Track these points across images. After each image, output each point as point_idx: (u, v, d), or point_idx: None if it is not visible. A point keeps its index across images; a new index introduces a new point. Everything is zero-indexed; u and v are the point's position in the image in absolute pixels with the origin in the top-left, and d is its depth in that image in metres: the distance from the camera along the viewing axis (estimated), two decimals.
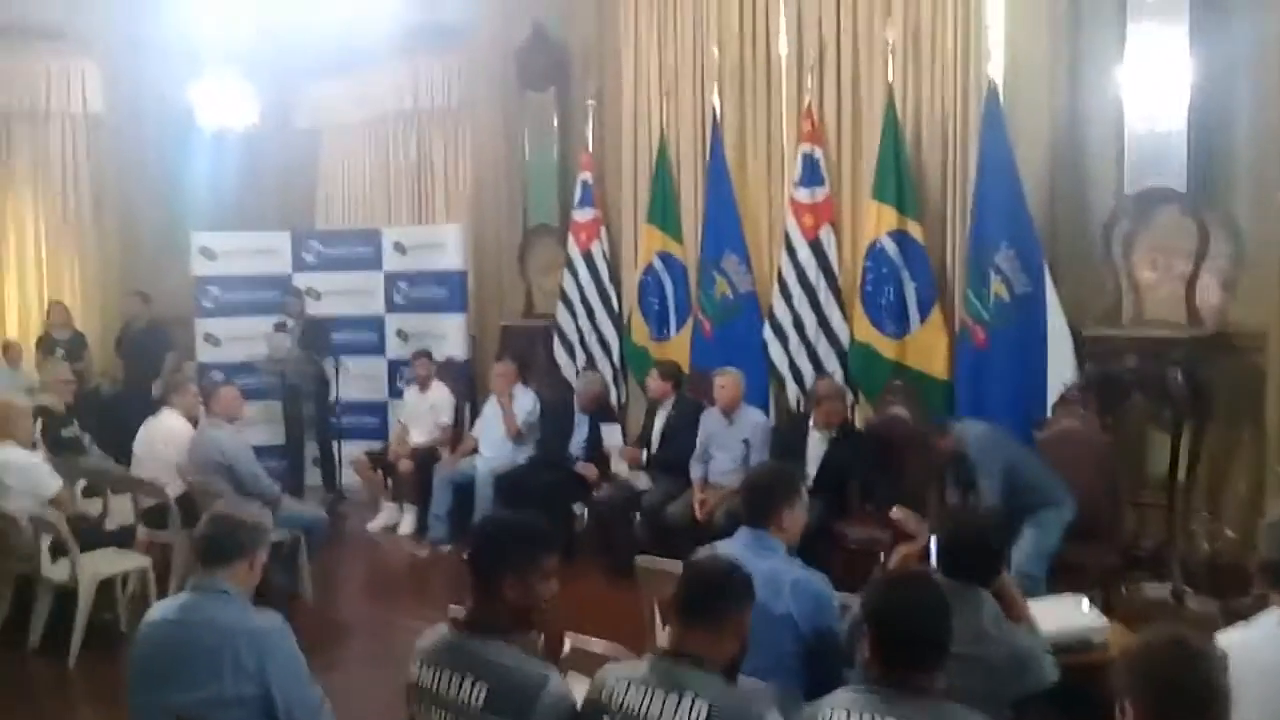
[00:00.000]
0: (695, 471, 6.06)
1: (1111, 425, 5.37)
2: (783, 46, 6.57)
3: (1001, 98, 5.51)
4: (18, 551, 5.23)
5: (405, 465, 7.30)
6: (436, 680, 2.34)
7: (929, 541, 2.80)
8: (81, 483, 6.09)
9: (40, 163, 9.38)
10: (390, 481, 7.54)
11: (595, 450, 6.74)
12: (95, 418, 7.50)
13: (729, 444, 5.96)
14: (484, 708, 2.24)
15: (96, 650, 5.13)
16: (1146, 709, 1.79)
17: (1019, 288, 5.46)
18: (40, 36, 9.17)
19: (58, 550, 5.17)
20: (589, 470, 6.65)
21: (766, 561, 2.90)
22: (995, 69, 5.57)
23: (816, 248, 6.26)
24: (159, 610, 2.90)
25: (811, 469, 5.62)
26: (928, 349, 5.94)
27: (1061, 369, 5.40)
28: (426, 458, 7.27)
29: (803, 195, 6.30)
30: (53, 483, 5.37)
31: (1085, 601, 3.59)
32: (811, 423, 5.78)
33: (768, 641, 2.70)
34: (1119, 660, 1.91)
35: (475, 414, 7.59)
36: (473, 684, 2.28)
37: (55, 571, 5.19)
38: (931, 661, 2.13)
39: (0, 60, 9.09)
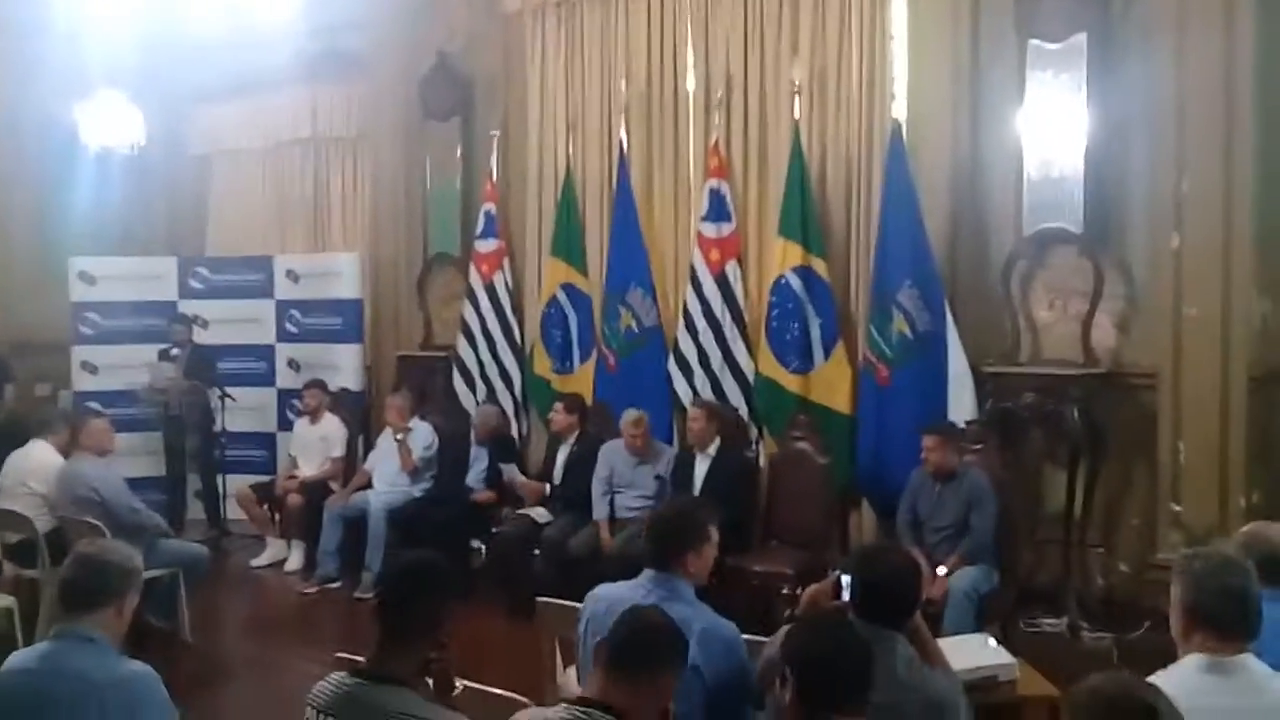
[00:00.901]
0: (599, 510, 5.94)
1: (1010, 462, 5.44)
2: (690, 83, 6.58)
3: (905, 138, 5.59)
4: None
5: (294, 500, 7.02)
6: None
7: (837, 579, 2.71)
8: None
9: None
10: (277, 516, 7.24)
11: (494, 483, 6.61)
12: None
13: (640, 480, 5.89)
14: None
15: None
16: None
17: (921, 325, 5.52)
18: None
19: None
20: (487, 496, 6.50)
21: (673, 608, 2.78)
22: (899, 110, 5.67)
23: (722, 282, 6.24)
24: (17, 659, 2.66)
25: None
26: (831, 384, 5.95)
27: (962, 406, 5.46)
28: (316, 492, 7.00)
29: (709, 230, 6.29)
30: None
31: (990, 639, 3.57)
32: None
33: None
34: (1066, 709, 1.86)
35: (370, 447, 7.34)
36: None
37: None
38: (855, 705, 2.08)
39: None
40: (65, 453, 5.93)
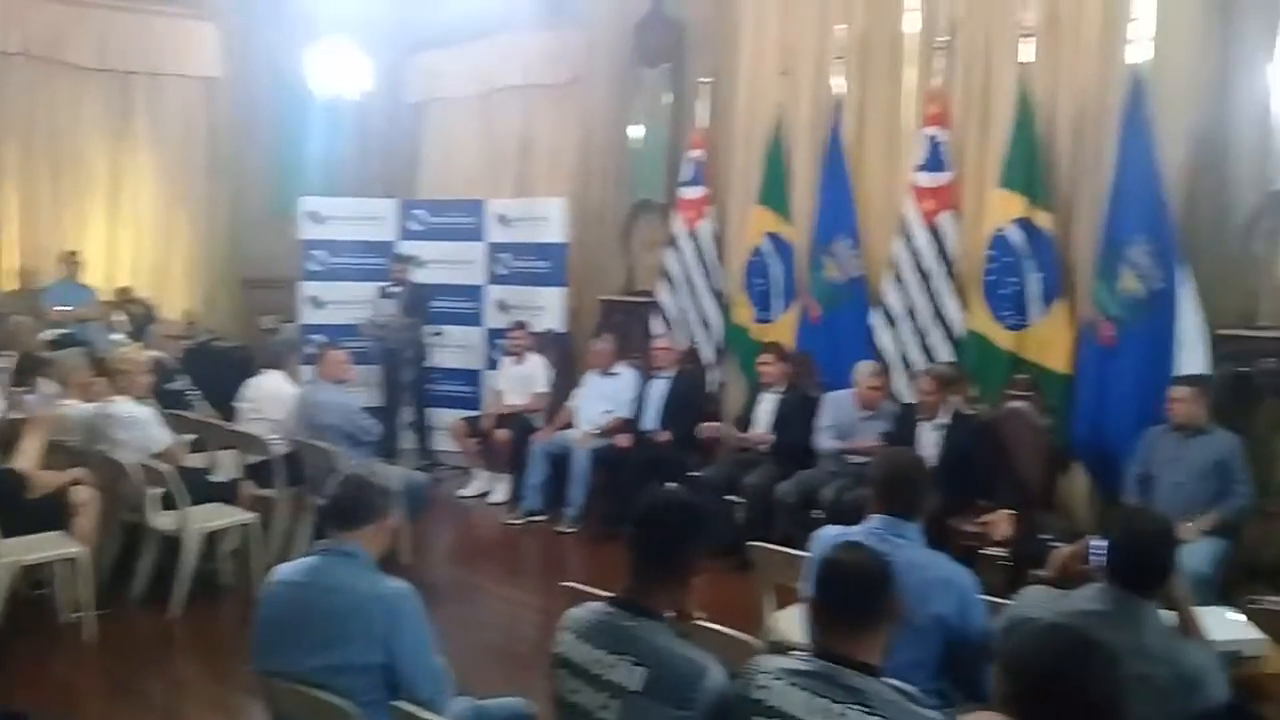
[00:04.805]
0: (825, 440, 5.92)
1: (1242, 429, 5.13)
2: (911, 25, 6.36)
3: (1144, 84, 5.27)
4: (128, 500, 5.30)
5: (501, 434, 7.29)
6: (591, 657, 2.29)
7: (1087, 544, 2.64)
8: (189, 436, 6.16)
9: (158, 123, 9.55)
10: (484, 449, 7.53)
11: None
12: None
13: (865, 434, 5.80)
14: (643, 691, 2.18)
15: (199, 601, 5.22)
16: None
17: (1152, 283, 5.22)
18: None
19: (166, 501, 5.23)
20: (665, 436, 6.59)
21: (904, 552, 2.78)
22: (1138, 54, 5.30)
23: (935, 233, 6.08)
24: (286, 572, 2.83)
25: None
26: (1047, 342, 5.72)
27: (1193, 369, 5.15)
28: (522, 428, 7.25)
29: (924, 179, 6.11)
30: (162, 436, 5.46)
31: (1234, 613, 3.40)
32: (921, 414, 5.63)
33: (909, 637, 2.59)
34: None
35: (572, 387, 7.54)
36: (633, 665, 2.21)
37: (162, 522, 5.24)
38: None
39: (123, 22, 9.25)
40: (295, 382, 6.37)
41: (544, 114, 9.20)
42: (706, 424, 6.61)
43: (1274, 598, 5.02)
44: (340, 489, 2.85)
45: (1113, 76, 5.48)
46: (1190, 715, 2.39)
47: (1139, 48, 5.29)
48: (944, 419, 5.47)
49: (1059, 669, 1.80)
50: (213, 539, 5.44)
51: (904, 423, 5.62)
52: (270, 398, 6.27)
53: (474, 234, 8.57)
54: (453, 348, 8.44)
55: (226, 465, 6.12)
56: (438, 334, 8.06)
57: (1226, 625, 3.20)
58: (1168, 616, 2.57)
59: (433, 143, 10.10)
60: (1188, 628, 2.56)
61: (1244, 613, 3.49)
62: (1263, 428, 5.29)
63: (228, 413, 6.53)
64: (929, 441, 5.42)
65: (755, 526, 5.56)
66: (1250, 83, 5.26)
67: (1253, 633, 3.23)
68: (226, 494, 5.63)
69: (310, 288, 8.61)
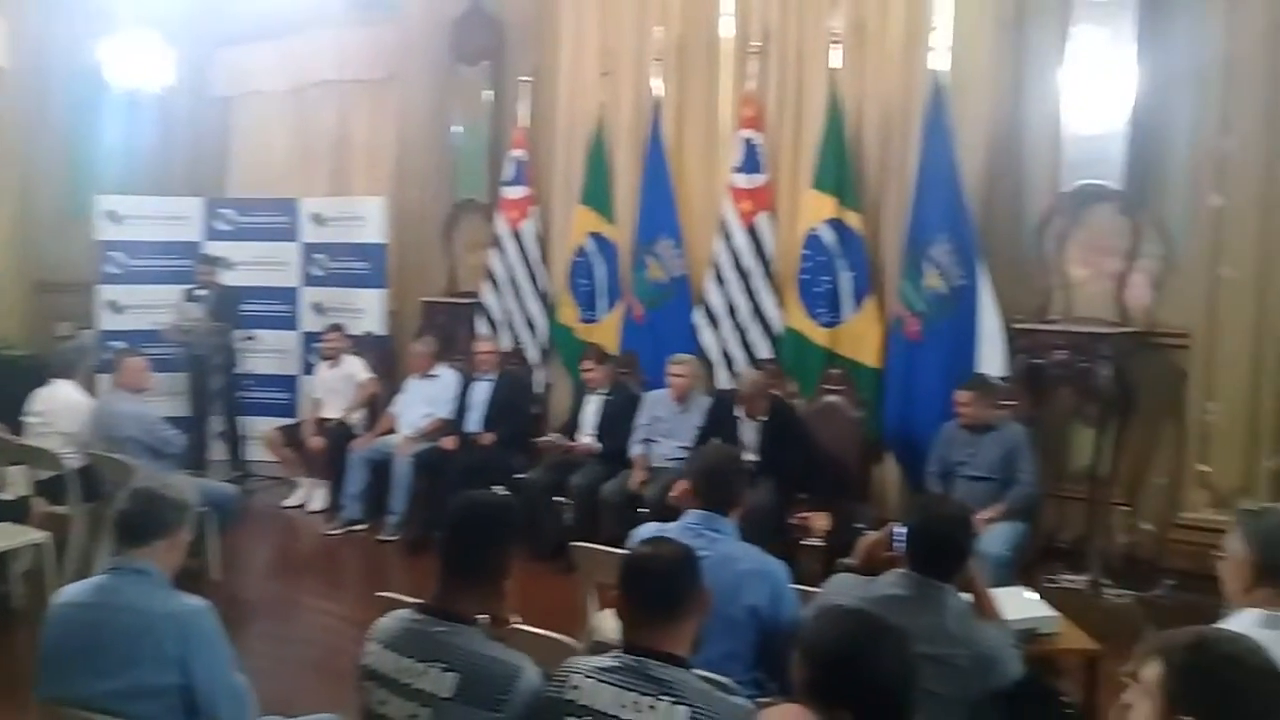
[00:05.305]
0: (637, 450, 5.96)
1: (1037, 419, 5.44)
2: (726, 29, 6.48)
3: (944, 91, 5.52)
4: None
5: (315, 442, 7.06)
6: (399, 666, 2.21)
7: (891, 531, 2.73)
8: None
9: None
10: (302, 458, 7.28)
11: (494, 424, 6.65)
12: None
13: (680, 430, 5.85)
14: (455, 697, 2.12)
15: None
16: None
17: (953, 280, 5.49)
18: None
19: None
20: (488, 438, 6.53)
21: (719, 545, 2.81)
22: (939, 62, 5.56)
23: (753, 234, 6.21)
24: (72, 592, 2.67)
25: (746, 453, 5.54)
26: (859, 338, 5.94)
27: (992, 362, 5.44)
28: (339, 434, 7.03)
29: (741, 181, 6.24)
30: None
31: (1029, 592, 3.58)
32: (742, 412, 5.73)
33: (724, 630, 2.61)
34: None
35: (394, 391, 7.36)
36: (443, 671, 2.15)
37: None
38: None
39: None
40: (90, 392, 5.99)
41: (360, 110, 8.94)
42: (539, 438, 6.57)
43: (1070, 576, 5.37)
44: (129, 503, 2.69)
45: (915, 83, 5.75)
46: (989, 693, 2.49)
47: (939, 56, 5.55)
48: (765, 416, 5.56)
49: (850, 654, 1.83)
50: (3, 560, 5.13)
51: (720, 410, 5.67)
52: (61, 409, 5.89)
53: (287, 234, 8.26)
54: (266, 353, 8.10)
55: (16, 482, 5.74)
56: (250, 339, 7.73)
57: (1022, 604, 3.37)
58: (966, 599, 2.69)
59: (242, 139, 9.66)
60: (984, 609, 2.68)
61: (1040, 592, 3.68)
62: (1056, 416, 5.64)
63: (16, 426, 6.10)
64: (750, 438, 5.49)
65: (582, 527, 5.54)
66: (1042, 90, 5.57)
67: (1047, 610, 3.40)
68: (16, 513, 5.32)
69: (109, 291, 8.11)
